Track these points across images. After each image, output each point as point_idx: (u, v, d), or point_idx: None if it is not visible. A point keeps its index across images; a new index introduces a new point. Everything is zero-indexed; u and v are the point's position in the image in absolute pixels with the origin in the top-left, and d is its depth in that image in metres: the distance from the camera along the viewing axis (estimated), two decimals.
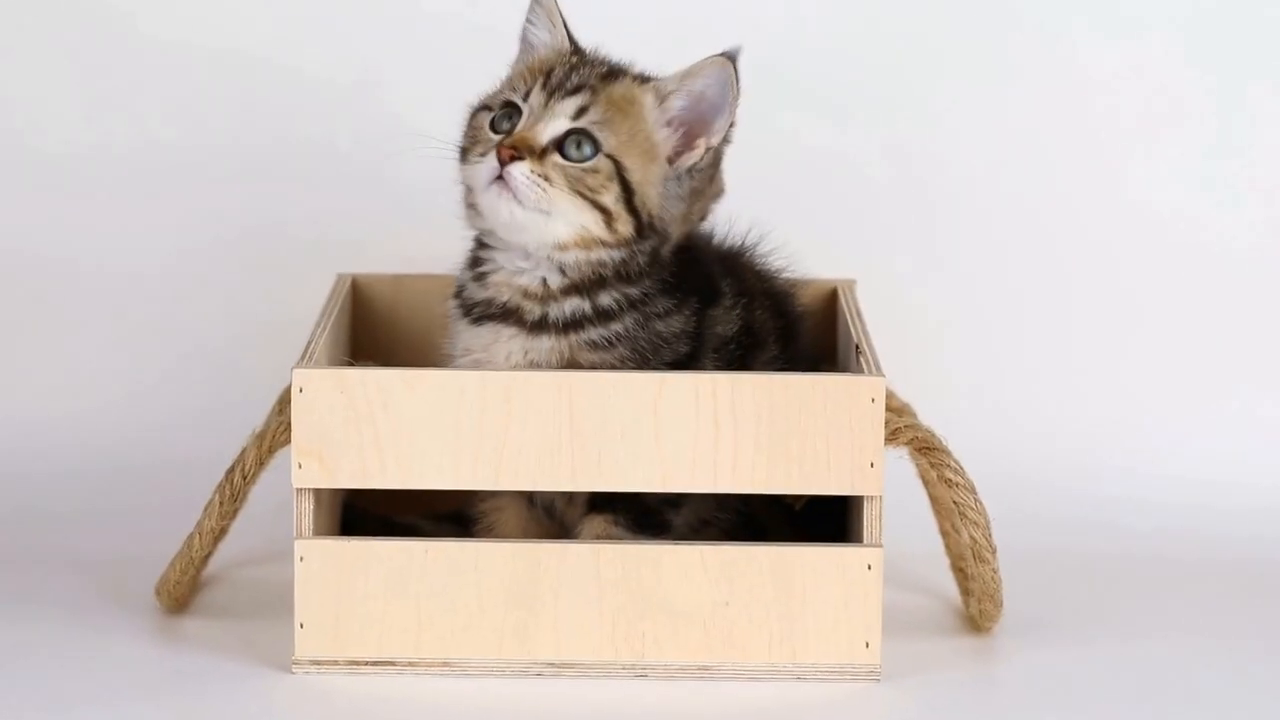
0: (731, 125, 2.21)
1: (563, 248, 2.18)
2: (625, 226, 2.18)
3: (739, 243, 2.42)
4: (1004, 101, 2.98)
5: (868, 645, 2.20)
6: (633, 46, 2.62)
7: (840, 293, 2.52)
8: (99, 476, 2.78)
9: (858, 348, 2.30)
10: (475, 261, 2.28)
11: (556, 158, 2.17)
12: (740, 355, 2.27)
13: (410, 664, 2.20)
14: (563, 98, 2.19)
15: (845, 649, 2.20)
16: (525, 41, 2.28)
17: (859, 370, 2.25)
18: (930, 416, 2.35)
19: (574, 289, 2.21)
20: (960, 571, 2.42)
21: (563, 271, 2.21)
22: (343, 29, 2.97)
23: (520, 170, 2.15)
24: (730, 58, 2.18)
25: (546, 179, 2.16)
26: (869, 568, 2.19)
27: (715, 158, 2.23)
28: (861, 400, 2.16)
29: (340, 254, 2.78)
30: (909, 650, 2.29)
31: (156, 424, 2.86)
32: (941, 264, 2.98)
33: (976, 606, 2.33)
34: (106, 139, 2.97)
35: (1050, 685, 2.24)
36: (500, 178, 2.15)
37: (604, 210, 2.17)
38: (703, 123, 2.20)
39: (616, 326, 2.21)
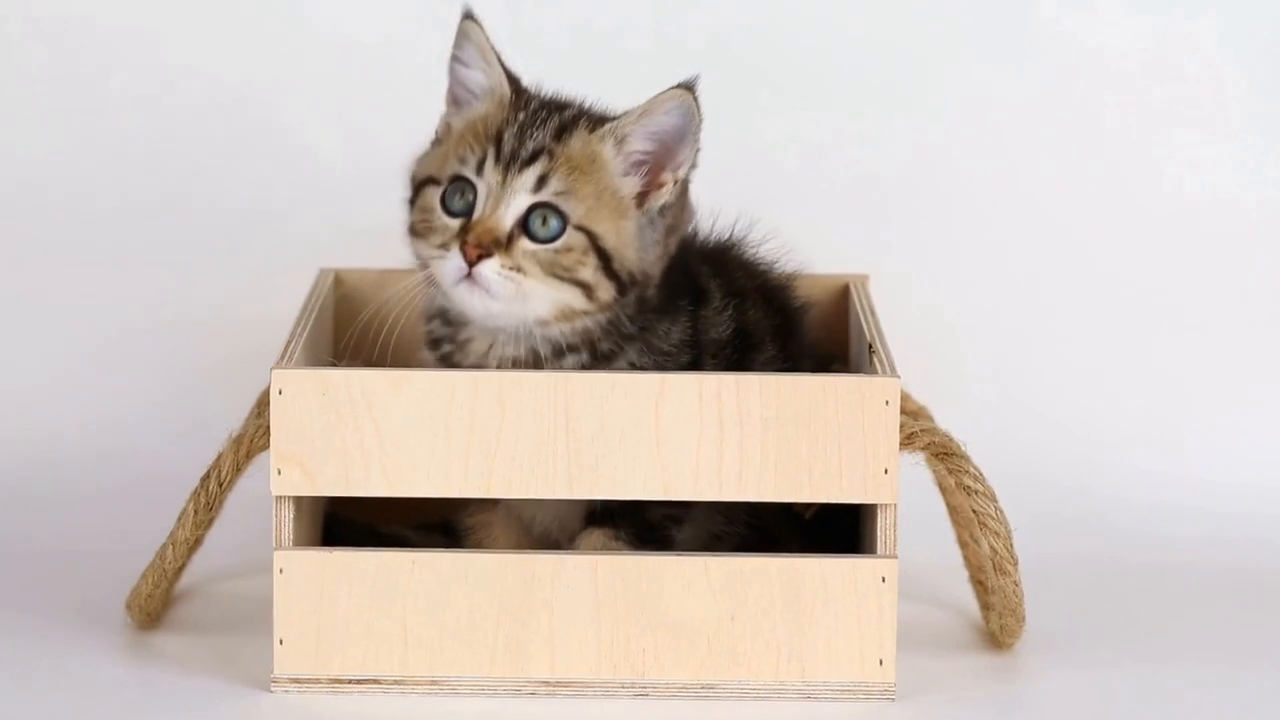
0: (697, 151, 2.19)
1: (543, 324, 2.18)
2: (606, 293, 2.18)
3: (726, 237, 2.42)
4: (1025, 90, 2.98)
5: (881, 663, 2.19)
6: (646, 32, 2.64)
7: (852, 288, 2.51)
8: (66, 484, 2.78)
9: (871, 347, 2.29)
10: (446, 317, 2.25)
11: (525, 243, 2.15)
12: (738, 359, 2.27)
13: (396, 682, 2.20)
14: (520, 170, 2.16)
15: (858, 666, 2.19)
16: (457, 82, 2.23)
17: (872, 371, 2.25)
18: (947, 420, 2.35)
19: (568, 349, 2.21)
20: (980, 584, 2.42)
21: (549, 341, 2.21)
22: (325, 22, 2.97)
23: (490, 269, 2.14)
24: (688, 88, 2.16)
25: (519, 270, 2.14)
26: (883, 580, 2.18)
27: (683, 188, 2.22)
28: (875, 402, 2.16)
29: (323, 247, 2.78)
30: (925, 668, 2.29)
31: (128, 428, 2.87)
32: (959, 258, 2.98)
33: (997, 621, 2.33)
34: (78, 130, 2.97)
35: (1076, 706, 2.24)
36: (469, 275, 2.14)
37: (583, 285, 2.17)
38: (667, 156, 2.19)
39: (621, 363, 2.22)
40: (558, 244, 2.15)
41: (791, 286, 2.42)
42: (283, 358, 2.22)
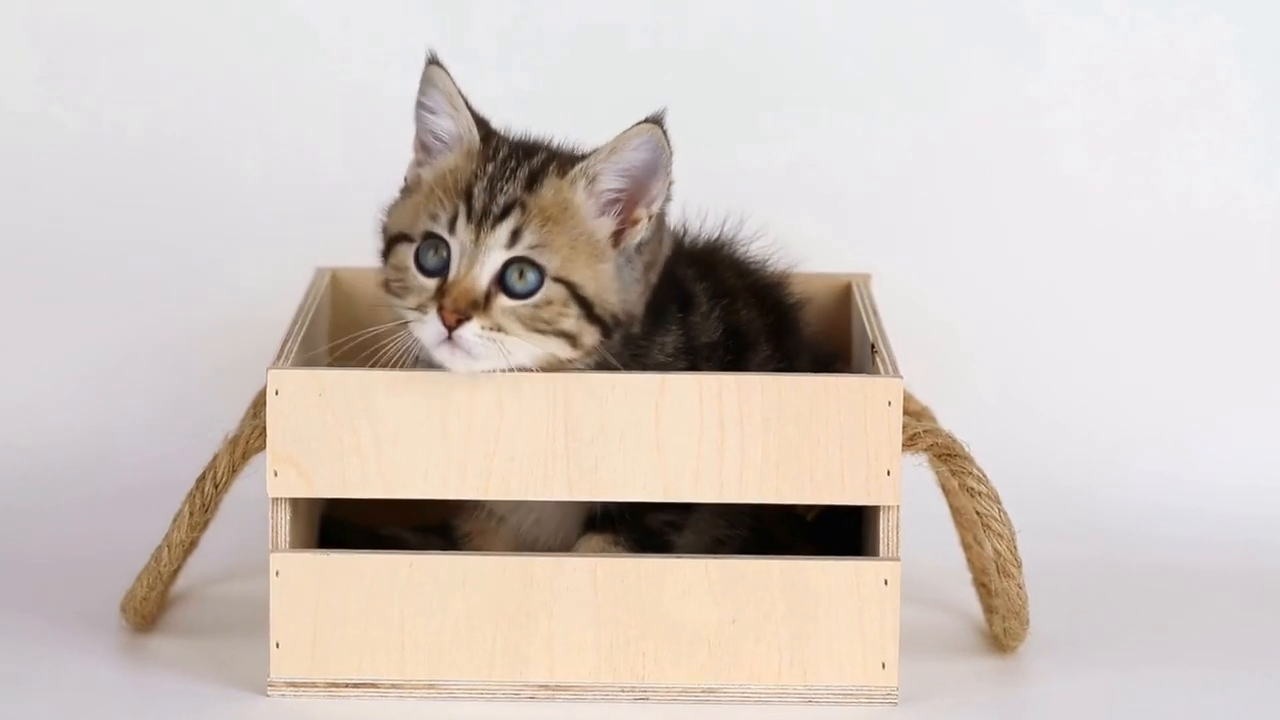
0: (670, 184, 2.18)
1: (530, 372, 2.17)
2: (591, 338, 2.17)
3: (715, 237, 2.41)
4: (1032, 87, 2.98)
5: (884, 666, 2.19)
6: (648, 29, 2.62)
7: (855, 287, 2.51)
8: (61, 486, 2.77)
9: (873, 346, 2.29)
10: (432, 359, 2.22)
11: (503, 300, 2.13)
12: (732, 362, 2.27)
13: (394, 686, 2.20)
14: (492, 227, 2.14)
15: (860, 670, 2.19)
16: (425, 129, 2.21)
17: (874, 371, 2.24)
18: (951, 421, 2.35)
19: None
20: (983, 587, 2.42)
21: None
22: (327, 16, 2.97)
23: (470, 332, 2.12)
24: (656, 121, 2.14)
25: (499, 329, 2.13)
26: (885, 583, 2.18)
27: (659, 222, 2.21)
28: (877, 403, 2.16)
29: (320, 245, 2.78)
30: (928, 671, 2.29)
31: (122, 429, 2.86)
32: (963, 257, 2.98)
33: (1001, 624, 2.33)
34: (68, 117, 2.97)
35: (1080, 710, 2.23)
36: (450, 338, 2.12)
37: (567, 335, 2.16)
38: (640, 192, 2.17)
39: None
40: (537, 298, 2.14)
41: (785, 284, 2.42)
42: (279, 358, 2.21)
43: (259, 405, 2.29)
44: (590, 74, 2.95)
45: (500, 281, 2.14)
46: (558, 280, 2.15)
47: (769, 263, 2.42)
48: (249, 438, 2.22)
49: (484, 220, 2.14)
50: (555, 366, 2.17)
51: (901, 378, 2.18)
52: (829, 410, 2.16)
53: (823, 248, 2.50)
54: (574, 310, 2.15)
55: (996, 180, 2.98)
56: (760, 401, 2.15)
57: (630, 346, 2.21)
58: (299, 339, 2.27)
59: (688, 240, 2.38)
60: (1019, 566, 2.23)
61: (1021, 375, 2.94)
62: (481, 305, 2.13)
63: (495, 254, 2.14)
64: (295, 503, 2.19)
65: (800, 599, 2.18)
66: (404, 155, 2.27)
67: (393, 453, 2.16)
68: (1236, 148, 2.98)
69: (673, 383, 2.16)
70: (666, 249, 2.25)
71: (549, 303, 2.14)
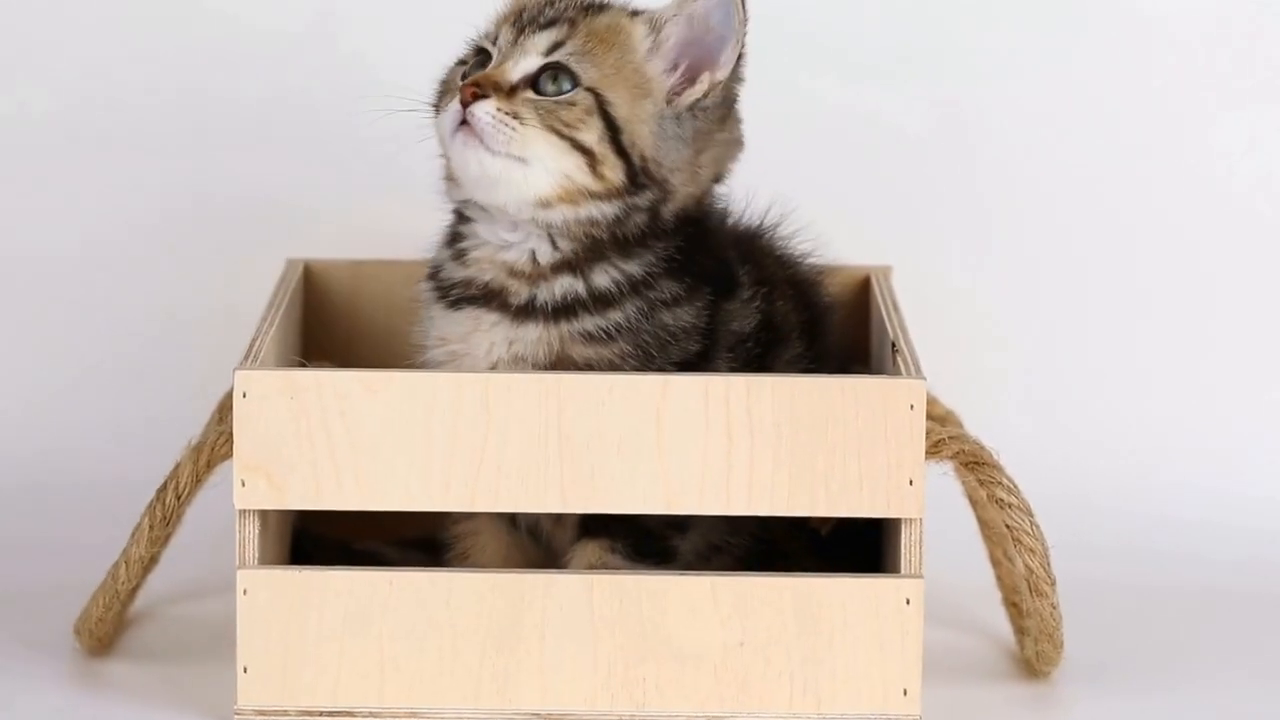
0: (741, 57, 2.21)
1: (546, 203, 2.18)
2: (614, 172, 2.18)
3: (757, 223, 2.42)
4: (1065, 60, 2.99)
5: (906, 692, 2.19)
6: None
7: (874, 281, 2.51)
8: (8, 495, 2.78)
9: (894, 345, 2.29)
10: (454, 238, 2.28)
11: (528, 93, 2.19)
12: (759, 355, 2.27)
13: (372, 714, 2.19)
14: (534, 33, 2.21)
15: (880, 697, 2.19)
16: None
17: (895, 371, 2.24)
18: (978, 426, 2.35)
19: (566, 265, 2.20)
20: (1014, 606, 2.42)
21: (553, 242, 2.20)
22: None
23: (484, 109, 2.16)
24: None
25: (515, 115, 2.17)
26: (907, 602, 2.17)
27: (725, 96, 2.24)
28: (899, 406, 2.15)
29: (290, 235, 2.78)
30: (954, 699, 2.29)
31: (76, 435, 2.87)
32: (990, 248, 2.99)
33: (1033, 647, 2.33)
34: (17, 101, 2.96)
35: None
36: (465, 122, 2.17)
37: (587, 151, 2.17)
38: (706, 55, 2.21)
39: (616, 315, 2.20)
40: (561, 98, 2.18)
41: (822, 282, 2.42)
42: (247, 357, 2.21)
43: (225, 409, 2.29)
44: None
45: (533, 84, 2.19)
46: (590, 90, 2.19)
47: (808, 258, 2.43)
48: (214, 444, 2.22)
49: (528, 28, 2.22)
50: (573, 198, 2.17)
51: (925, 379, 2.18)
52: (846, 414, 2.15)
53: (839, 238, 2.49)
54: (597, 125, 2.18)
55: (1027, 168, 2.99)
56: (771, 405, 2.15)
57: (651, 243, 2.20)
58: (269, 337, 2.26)
59: (730, 224, 2.39)
60: (1052, 584, 2.23)
61: (1054, 378, 2.95)
62: (504, 91, 2.18)
63: (530, 57, 2.20)
64: (264, 515, 2.19)
65: (814, 620, 2.17)
66: (384, 144, 2.27)
67: (371, 461, 2.16)
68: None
69: (676, 384, 2.15)
70: (733, 138, 2.27)
71: (572, 104, 2.18)
